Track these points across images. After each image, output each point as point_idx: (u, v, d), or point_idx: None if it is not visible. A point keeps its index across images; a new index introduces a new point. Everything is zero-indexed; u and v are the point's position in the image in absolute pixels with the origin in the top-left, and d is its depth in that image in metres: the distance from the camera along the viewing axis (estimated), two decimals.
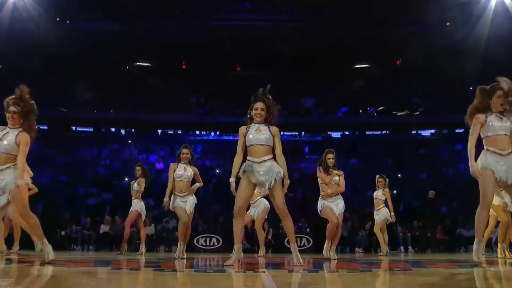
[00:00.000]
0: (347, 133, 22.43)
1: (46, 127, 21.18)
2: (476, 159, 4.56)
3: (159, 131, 22.54)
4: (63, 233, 12.52)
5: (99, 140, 20.84)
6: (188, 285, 3.33)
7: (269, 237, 11.57)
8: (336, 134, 22.25)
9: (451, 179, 17.47)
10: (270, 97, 4.91)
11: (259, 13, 19.68)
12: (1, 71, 19.34)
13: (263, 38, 19.69)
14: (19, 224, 7.35)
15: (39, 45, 17.08)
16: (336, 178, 6.69)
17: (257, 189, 4.88)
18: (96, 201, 15.56)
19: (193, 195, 6.78)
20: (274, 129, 4.76)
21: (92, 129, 22.05)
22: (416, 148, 20.38)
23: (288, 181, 4.69)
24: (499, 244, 6.98)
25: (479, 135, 4.65)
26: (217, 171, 18.27)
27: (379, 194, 8.81)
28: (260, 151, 4.69)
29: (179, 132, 22.56)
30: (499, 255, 6.87)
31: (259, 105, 4.86)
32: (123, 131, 22.44)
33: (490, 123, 4.57)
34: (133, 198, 8.46)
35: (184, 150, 6.78)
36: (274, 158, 4.75)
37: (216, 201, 15.01)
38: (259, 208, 8.05)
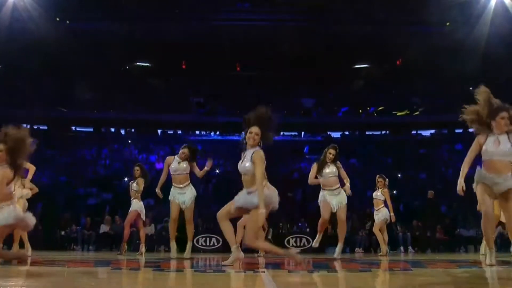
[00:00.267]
0: (347, 133, 22.42)
1: (46, 127, 21.21)
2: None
3: (159, 131, 22.54)
4: (63, 233, 12.52)
5: (99, 140, 20.84)
6: (188, 285, 3.33)
7: (269, 237, 11.57)
8: (336, 134, 22.23)
9: (451, 179, 17.40)
10: (270, 117, 4.74)
11: (259, 13, 19.66)
12: (1, 71, 19.34)
13: (263, 38, 19.67)
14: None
15: (39, 45, 17.07)
16: (334, 169, 6.71)
17: None
18: (96, 201, 15.56)
19: (192, 187, 6.77)
20: (257, 154, 4.55)
21: (92, 129, 22.05)
22: (416, 148, 20.38)
23: (261, 211, 4.36)
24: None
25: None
26: (217, 171, 18.26)
27: (379, 194, 8.81)
28: (247, 182, 4.57)
29: (179, 132, 22.55)
30: None
31: (254, 129, 4.68)
32: (123, 131, 22.43)
33: (486, 147, 4.55)
34: (132, 198, 8.46)
35: (183, 150, 6.82)
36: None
37: (216, 201, 14.97)
38: None
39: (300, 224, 13.06)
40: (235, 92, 22.43)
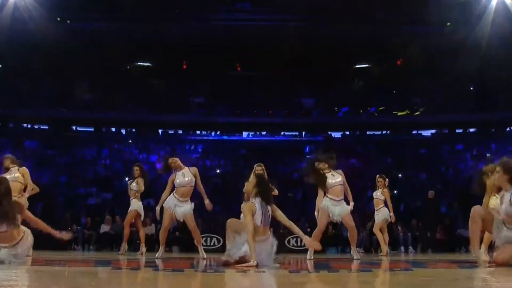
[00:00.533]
0: (347, 133, 22.43)
1: (46, 127, 21.22)
2: None
3: (160, 131, 22.55)
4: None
5: (99, 140, 20.85)
6: (188, 285, 3.33)
7: None
8: (336, 134, 22.24)
9: (451, 179, 17.46)
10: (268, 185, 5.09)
11: (259, 13, 19.67)
12: (1, 71, 19.36)
13: (263, 38, 19.68)
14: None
15: (40, 45, 17.08)
16: (339, 179, 6.64)
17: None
18: (96, 201, 15.57)
19: (192, 203, 6.72)
20: (244, 205, 4.89)
21: (92, 129, 22.05)
22: (416, 148, 20.38)
23: (253, 263, 4.42)
24: None
25: None
26: (217, 171, 18.28)
27: (379, 194, 8.80)
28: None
29: (179, 132, 22.56)
30: None
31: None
32: (123, 131, 22.44)
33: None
34: (131, 198, 8.45)
35: (170, 160, 6.75)
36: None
37: (216, 201, 14.97)
38: None
39: (300, 224, 13.05)
40: (235, 92, 22.45)
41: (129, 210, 8.45)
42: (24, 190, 6.85)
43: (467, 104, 20.88)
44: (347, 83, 22.66)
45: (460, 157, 19.42)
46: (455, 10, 16.06)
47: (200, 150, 20.37)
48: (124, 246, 8.58)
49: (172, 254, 9.21)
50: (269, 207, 4.83)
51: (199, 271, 4.48)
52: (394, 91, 22.67)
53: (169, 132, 22.57)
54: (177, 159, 6.79)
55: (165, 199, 6.62)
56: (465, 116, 20.78)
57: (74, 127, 21.95)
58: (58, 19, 17.79)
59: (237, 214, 7.28)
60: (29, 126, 21.03)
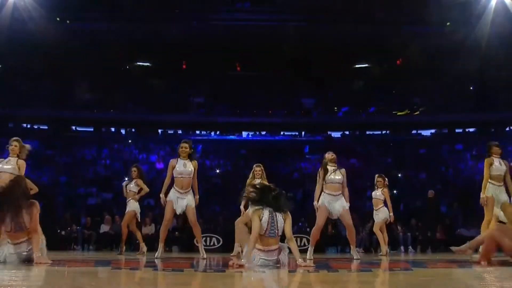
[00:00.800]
0: (347, 133, 22.43)
1: (46, 127, 21.22)
2: None
3: (160, 131, 22.55)
4: (63, 233, 12.50)
5: (99, 140, 20.84)
6: (188, 285, 3.33)
7: None
8: (336, 134, 22.24)
9: (451, 179, 17.46)
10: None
11: (259, 13, 19.68)
12: (1, 71, 19.35)
13: (263, 38, 19.68)
14: None
15: (39, 45, 17.08)
16: (340, 177, 6.65)
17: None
18: (96, 201, 15.56)
19: (193, 194, 6.62)
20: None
21: (92, 129, 22.05)
22: (416, 148, 20.38)
23: (246, 265, 4.42)
24: None
25: None
26: (217, 171, 18.27)
27: (378, 194, 8.80)
28: None
29: (179, 132, 22.56)
30: None
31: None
32: (123, 131, 22.44)
33: None
34: (129, 199, 8.43)
35: (183, 144, 6.63)
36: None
37: (216, 201, 15.00)
38: None
39: (300, 224, 13.05)
40: (235, 92, 22.44)
41: (127, 210, 8.42)
42: None
43: (467, 104, 20.90)
44: (347, 83, 22.65)
45: (460, 157, 19.42)
46: (455, 10, 16.07)
47: (200, 150, 20.37)
48: (122, 246, 8.58)
49: (171, 254, 9.20)
50: (280, 217, 4.66)
51: (199, 271, 4.48)
52: (394, 91, 22.66)
53: (169, 132, 22.56)
54: (189, 147, 6.63)
55: (168, 185, 6.51)
56: (465, 116, 20.79)
57: (74, 127, 21.95)
58: (58, 19, 17.80)
59: (237, 214, 7.29)
60: (29, 126, 21.02)
